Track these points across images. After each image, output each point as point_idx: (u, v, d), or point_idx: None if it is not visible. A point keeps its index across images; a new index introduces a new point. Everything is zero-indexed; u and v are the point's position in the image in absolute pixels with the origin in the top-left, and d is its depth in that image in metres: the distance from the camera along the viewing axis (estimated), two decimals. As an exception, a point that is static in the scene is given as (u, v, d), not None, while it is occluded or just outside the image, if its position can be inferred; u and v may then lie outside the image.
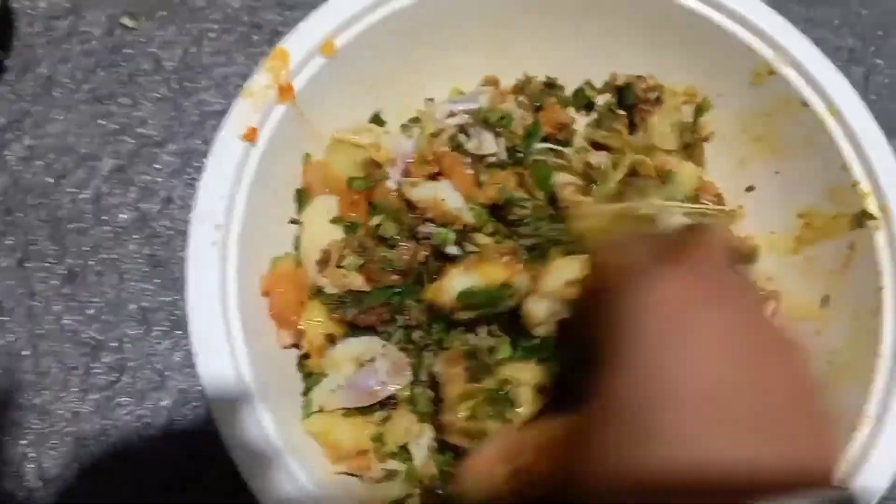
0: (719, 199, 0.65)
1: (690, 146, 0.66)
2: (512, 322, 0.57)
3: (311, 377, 0.58)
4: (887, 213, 0.57)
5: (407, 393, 0.57)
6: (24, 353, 0.64)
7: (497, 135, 0.61)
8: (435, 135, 0.63)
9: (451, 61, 0.67)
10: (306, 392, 0.57)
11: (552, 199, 0.60)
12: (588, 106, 0.69)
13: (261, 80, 0.58)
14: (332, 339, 0.57)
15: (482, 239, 0.58)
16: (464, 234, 0.59)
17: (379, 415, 0.57)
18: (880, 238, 0.57)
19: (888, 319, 0.55)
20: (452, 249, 0.58)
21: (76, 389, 0.64)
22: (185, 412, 0.64)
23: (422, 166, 0.60)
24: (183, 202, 0.70)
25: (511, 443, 0.48)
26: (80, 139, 0.71)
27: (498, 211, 0.60)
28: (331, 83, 0.61)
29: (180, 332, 0.66)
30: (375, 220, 0.59)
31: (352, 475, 0.55)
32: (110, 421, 0.63)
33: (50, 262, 0.67)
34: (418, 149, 0.62)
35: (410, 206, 0.59)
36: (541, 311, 0.54)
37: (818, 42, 0.61)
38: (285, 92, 0.58)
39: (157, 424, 0.64)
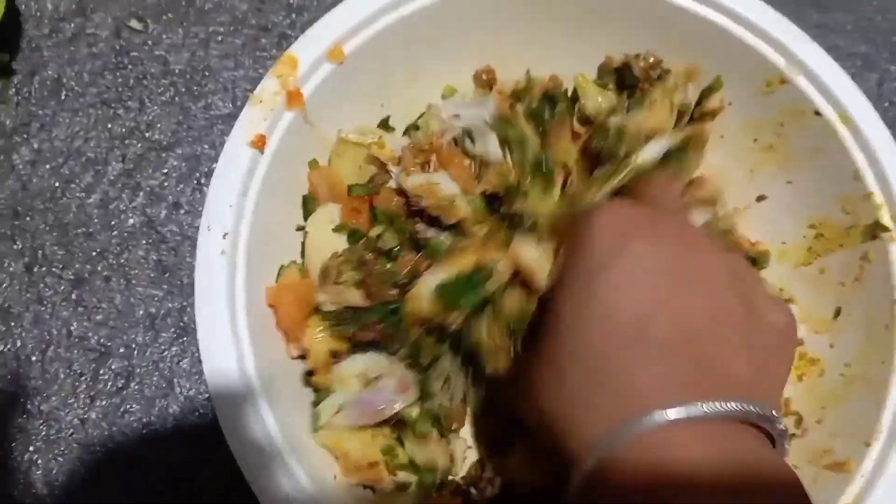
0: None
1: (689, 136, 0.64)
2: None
3: (318, 391, 0.57)
4: (901, 226, 0.57)
5: (415, 413, 0.56)
6: (31, 358, 0.64)
7: (506, 147, 0.60)
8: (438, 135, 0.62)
9: (455, 66, 0.67)
10: (315, 404, 0.57)
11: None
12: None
13: (269, 87, 0.57)
14: (335, 355, 0.56)
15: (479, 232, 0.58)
16: (459, 232, 0.57)
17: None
18: (894, 250, 0.56)
19: (902, 333, 0.55)
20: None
21: (84, 396, 0.64)
22: (193, 419, 0.64)
23: (417, 154, 0.60)
24: (191, 207, 0.69)
25: None
26: (87, 143, 0.70)
27: (496, 203, 0.58)
28: (339, 89, 0.60)
29: (188, 339, 0.66)
30: (376, 231, 0.58)
31: (364, 487, 0.55)
32: (118, 428, 0.63)
33: (57, 268, 0.67)
34: (414, 141, 0.62)
35: (408, 202, 0.58)
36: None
37: (831, 48, 0.61)
38: (294, 98, 0.58)
39: (165, 431, 0.63)
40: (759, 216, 0.65)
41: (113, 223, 0.68)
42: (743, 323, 0.42)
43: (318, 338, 0.56)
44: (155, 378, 0.65)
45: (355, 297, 0.55)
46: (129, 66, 0.73)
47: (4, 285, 0.66)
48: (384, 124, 0.66)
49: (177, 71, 0.73)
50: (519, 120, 0.60)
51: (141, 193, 0.69)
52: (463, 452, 0.59)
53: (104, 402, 0.64)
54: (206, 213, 0.54)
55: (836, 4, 0.80)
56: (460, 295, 0.53)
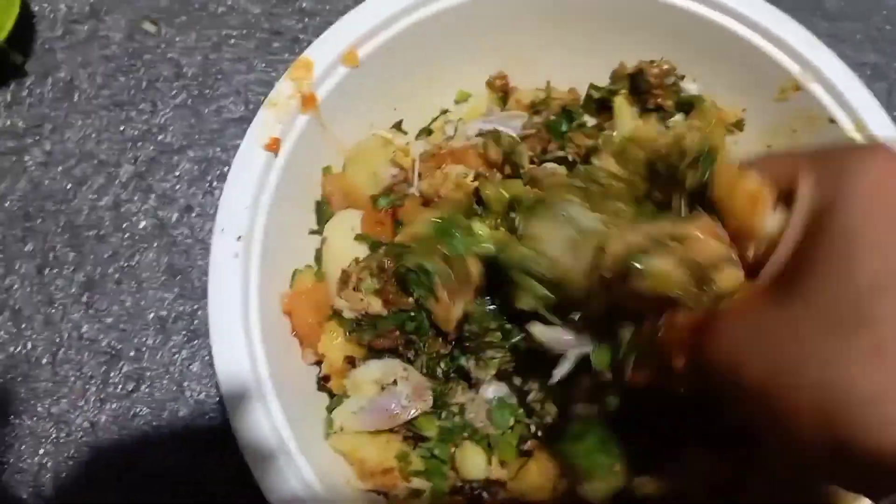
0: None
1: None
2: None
3: (333, 397, 0.57)
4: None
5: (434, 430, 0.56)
6: (42, 360, 0.64)
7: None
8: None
9: (467, 69, 0.67)
10: (330, 409, 0.57)
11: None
12: (602, 106, 0.66)
13: (284, 90, 0.58)
14: (352, 361, 0.56)
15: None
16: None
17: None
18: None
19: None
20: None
21: (94, 399, 0.64)
22: (202, 422, 0.64)
23: (430, 158, 0.60)
24: (202, 210, 0.69)
25: None
26: (99, 145, 0.70)
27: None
28: (353, 93, 0.60)
29: (198, 342, 0.66)
30: (401, 238, 0.58)
31: (377, 493, 0.55)
32: (128, 431, 0.63)
33: (68, 270, 0.67)
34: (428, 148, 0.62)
35: (426, 203, 0.59)
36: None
37: (841, 57, 0.61)
38: (308, 102, 0.58)
39: (175, 435, 0.63)
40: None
41: (124, 225, 0.68)
42: None
43: (335, 344, 0.56)
44: (165, 381, 0.65)
45: (375, 305, 0.55)
46: (142, 69, 0.73)
47: (16, 287, 0.66)
48: (397, 127, 0.66)
49: (189, 74, 0.73)
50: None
51: (152, 196, 0.69)
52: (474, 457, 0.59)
53: (114, 405, 0.64)
54: (220, 215, 0.54)
55: (845, 14, 0.80)
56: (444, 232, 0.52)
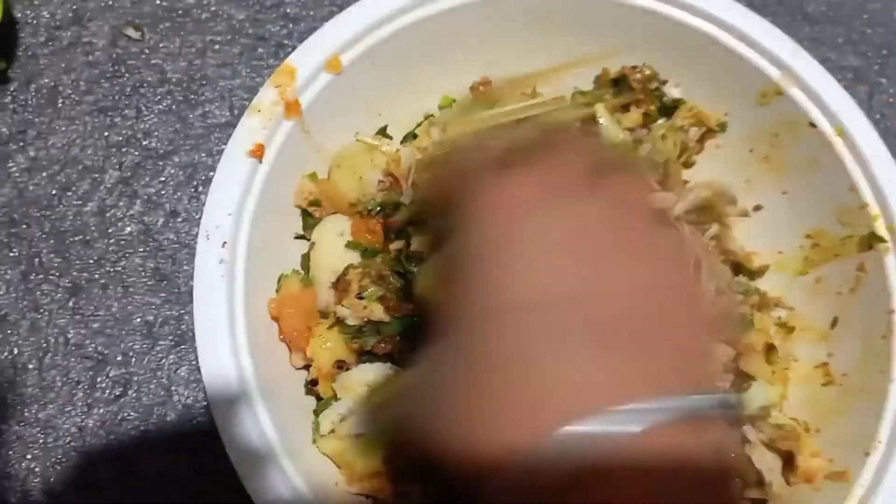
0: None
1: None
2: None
3: (320, 400, 0.57)
4: (897, 236, 0.57)
5: None
6: (28, 366, 0.64)
7: None
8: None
9: (451, 76, 0.67)
10: (317, 413, 0.57)
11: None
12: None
13: (268, 96, 0.58)
14: (341, 366, 0.57)
15: None
16: None
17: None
18: (890, 261, 0.57)
19: (900, 343, 0.56)
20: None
21: (81, 404, 0.64)
22: (190, 427, 0.64)
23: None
24: (188, 215, 0.69)
25: None
26: (84, 151, 0.70)
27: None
28: (337, 99, 0.61)
29: (185, 347, 0.66)
30: (396, 246, 0.58)
31: (366, 496, 0.55)
32: (115, 436, 0.63)
33: (54, 275, 0.67)
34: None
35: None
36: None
37: (822, 61, 0.61)
38: (292, 108, 0.58)
39: (163, 440, 0.63)
40: (755, 226, 0.65)
41: (110, 231, 0.68)
42: (684, 302, 0.36)
43: (324, 348, 0.56)
44: (152, 386, 0.65)
45: (378, 312, 0.55)
46: (126, 75, 0.73)
47: (1, 293, 0.66)
48: (382, 133, 0.66)
49: (174, 79, 0.73)
50: None
51: (138, 201, 0.69)
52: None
53: (102, 410, 0.64)
54: (205, 221, 0.54)
55: (827, 17, 0.81)
56: None
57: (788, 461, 0.56)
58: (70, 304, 0.66)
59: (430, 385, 0.36)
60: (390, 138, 0.66)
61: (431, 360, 0.37)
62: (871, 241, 0.57)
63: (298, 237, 0.62)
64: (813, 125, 0.60)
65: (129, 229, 0.69)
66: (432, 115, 0.68)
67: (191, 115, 0.72)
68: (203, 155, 0.71)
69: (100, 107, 0.72)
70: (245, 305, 0.54)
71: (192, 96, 0.73)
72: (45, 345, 0.65)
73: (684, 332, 0.35)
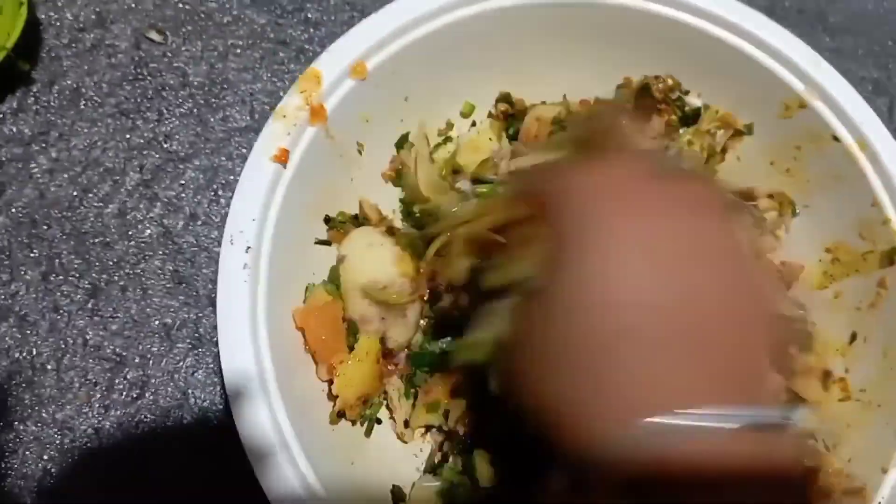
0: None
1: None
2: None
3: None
4: (919, 253, 0.57)
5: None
6: (47, 366, 0.64)
7: None
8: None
9: (472, 80, 0.68)
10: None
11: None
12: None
13: (293, 102, 0.58)
14: (365, 400, 0.58)
15: None
16: None
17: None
18: (912, 277, 0.57)
19: (918, 361, 0.55)
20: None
21: (98, 405, 0.64)
22: (206, 430, 0.64)
23: None
24: (208, 218, 0.69)
25: None
26: (105, 153, 0.71)
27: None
28: (361, 105, 0.61)
29: (203, 350, 0.66)
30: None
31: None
32: (132, 438, 0.63)
33: (74, 277, 0.67)
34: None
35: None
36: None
37: (842, 72, 0.61)
38: (317, 113, 0.58)
39: (179, 442, 0.63)
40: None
41: (130, 233, 0.68)
42: (757, 308, 0.37)
43: (349, 385, 0.58)
44: (169, 388, 0.65)
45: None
46: (148, 78, 0.74)
47: (21, 293, 0.66)
48: (404, 140, 0.66)
49: (195, 83, 0.74)
50: None
51: (158, 204, 0.70)
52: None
53: (119, 412, 0.64)
54: (229, 226, 0.54)
55: (847, 29, 0.81)
56: None
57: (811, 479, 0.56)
58: (89, 305, 0.66)
59: (535, 349, 0.39)
60: (412, 145, 0.66)
61: (534, 326, 0.39)
62: (892, 256, 0.57)
63: (319, 242, 0.62)
64: (836, 138, 0.60)
65: (148, 232, 0.69)
66: (453, 124, 0.68)
67: (212, 119, 0.73)
68: (223, 159, 0.71)
69: (121, 109, 0.72)
70: (267, 310, 0.54)
71: (214, 100, 0.73)
72: (63, 346, 0.65)
73: (757, 345, 0.36)
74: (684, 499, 0.33)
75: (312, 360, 0.59)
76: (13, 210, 0.68)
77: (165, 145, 0.71)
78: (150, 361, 0.66)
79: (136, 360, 0.65)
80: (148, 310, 0.67)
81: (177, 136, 0.72)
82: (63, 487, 0.62)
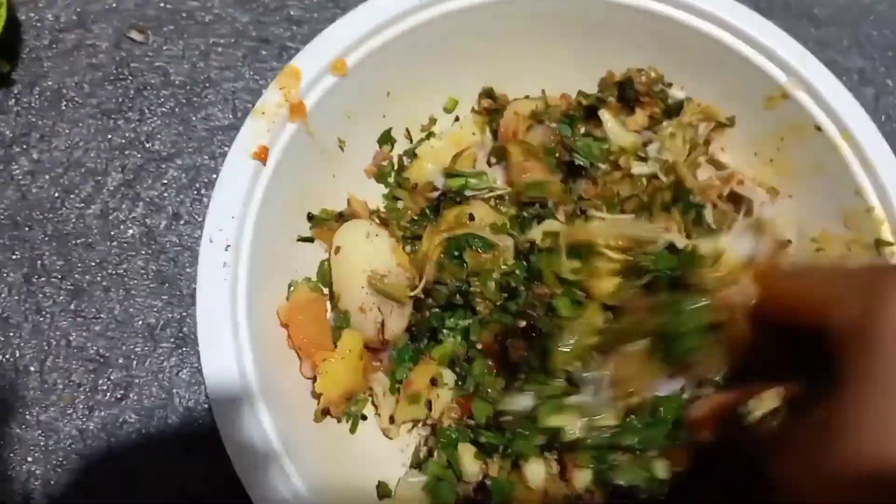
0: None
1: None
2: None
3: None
4: (903, 240, 0.57)
5: None
6: (30, 368, 0.64)
7: None
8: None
9: (454, 76, 0.67)
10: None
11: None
12: (590, 114, 0.66)
13: (272, 99, 0.58)
14: (349, 397, 0.57)
15: None
16: None
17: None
18: (897, 266, 0.56)
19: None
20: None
21: (83, 406, 0.63)
22: (191, 430, 0.64)
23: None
24: (190, 218, 0.69)
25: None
26: (87, 153, 0.70)
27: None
28: (341, 101, 0.61)
29: (187, 349, 0.66)
30: None
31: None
32: (116, 438, 0.63)
33: (56, 278, 0.67)
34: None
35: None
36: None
37: (828, 63, 0.61)
38: (296, 110, 0.58)
39: (164, 442, 0.63)
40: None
41: (112, 233, 0.68)
42: None
43: (333, 382, 0.57)
44: (154, 389, 0.64)
45: None
46: (130, 77, 0.73)
47: (3, 295, 0.66)
48: (386, 136, 0.66)
49: (177, 82, 0.73)
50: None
51: (140, 204, 0.69)
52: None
53: (103, 413, 0.63)
54: (208, 224, 0.54)
55: (833, 20, 0.80)
56: None
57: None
58: (72, 306, 0.66)
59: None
60: (394, 141, 0.66)
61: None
62: (878, 245, 0.57)
63: (301, 240, 0.62)
64: (819, 129, 0.60)
65: (131, 232, 0.68)
66: (436, 119, 0.68)
67: (194, 118, 0.72)
68: (206, 158, 0.71)
69: (103, 109, 0.72)
70: (248, 309, 0.53)
71: (196, 99, 0.73)
72: (46, 347, 0.65)
73: None
74: None
75: (296, 358, 0.58)
76: (-6, 212, 0.68)
77: (147, 145, 0.71)
78: (134, 362, 0.65)
79: (120, 361, 0.65)
80: (131, 310, 0.66)
81: (159, 136, 0.71)
82: (48, 489, 0.61)
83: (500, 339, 0.56)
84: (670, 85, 0.64)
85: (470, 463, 0.56)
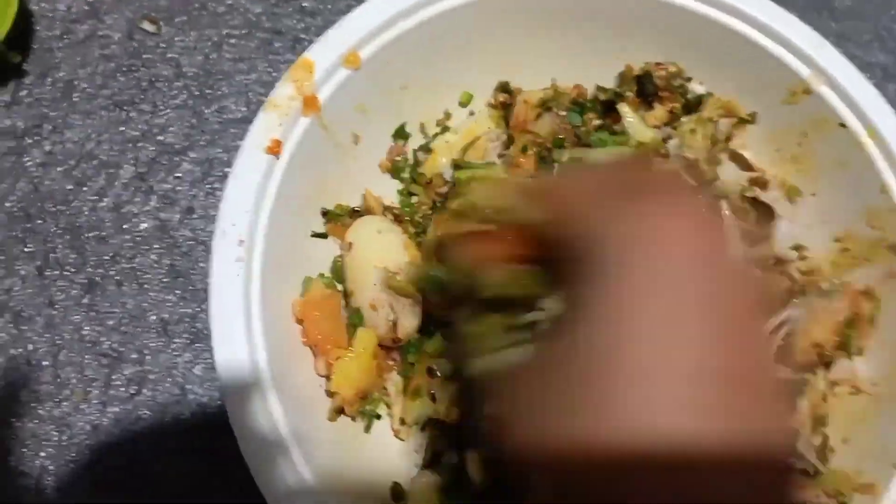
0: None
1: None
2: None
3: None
4: (930, 241, 0.56)
5: None
6: (43, 363, 0.64)
7: None
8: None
9: (469, 69, 0.66)
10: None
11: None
12: (609, 108, 0.65)
13: (285, 92, 0.57)
14: (363, 396, 0.57)
15: None
16: None
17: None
18: (924, 267, 0.55)
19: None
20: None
21: (96, 401, 0.63)
22: (205, 426, 0.63)
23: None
24: (204, 211, 0.69)
25: None
26: (99, 145, 0.70)
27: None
28: (355, 95, 0.60)
29: (201, 345, 0.65)
30: None
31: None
32: (130, 434, 0.63)
33: (69, 271, 0.66)
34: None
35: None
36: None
37: (849, 58, 0.60)
38: (310, 103, 0.57)
39: (178, 439, 0.63)
40: (782, 228, 0.64)
41: (125, 227, 0.68)
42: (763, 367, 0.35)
43: (347, 380, 0.56)
44: (167, 384, 0.64)
45: None
46: (142, 69, 0.73)
47: (16, 288, 0.65)
48: (401, 130, 0.65)
49: (190, 74, 0.73)
50: None
51: (154, 197, 0.69)
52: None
53: (117, 409, 0.63)
54: (221, 219, 0.53)
55: (854, 14, 0.79)
56: None
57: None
58: (85, 300, 0.66)
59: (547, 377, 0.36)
60: (408, 136, 0.65)
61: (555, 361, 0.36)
62: (904, 246, 0.56)
63: (315, 235, 0.61)
64: (843, 125, 0.58)
65: (144, 225, 0.68)
66: (451, 114, 0.67)
67: (207, 111, 0.72)
68: (219, 151, 0.71)
69: (115, 101, 0.71)
70: (261, 304, 0.53)
71: (208, 91, 0.72)
72: (59, 342, 0.64)
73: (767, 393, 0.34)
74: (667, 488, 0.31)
75: (311, 355, 0.58)
76: (7, 204, 0.67)
77: (160, 137, 0.71)
78: (148, 357, 0.65)
79: (134, 356, 0.65)
80: (144, 304, 0.66)
81: (171, 128, 0.71)
82: (61, 484, 0.61)
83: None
84: (690, 79, 0.63)
85: (477, 470, 0.56)
